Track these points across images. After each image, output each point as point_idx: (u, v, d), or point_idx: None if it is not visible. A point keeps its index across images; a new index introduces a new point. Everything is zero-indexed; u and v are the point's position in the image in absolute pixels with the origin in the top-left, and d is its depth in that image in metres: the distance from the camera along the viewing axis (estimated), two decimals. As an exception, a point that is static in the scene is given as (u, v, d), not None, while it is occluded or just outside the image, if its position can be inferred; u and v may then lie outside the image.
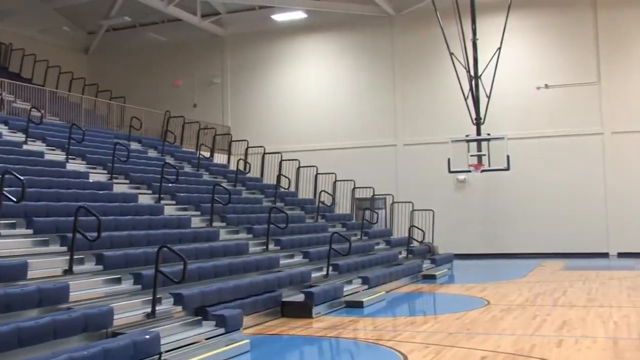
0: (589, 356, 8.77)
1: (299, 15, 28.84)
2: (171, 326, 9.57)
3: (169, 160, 21.00)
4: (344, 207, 25.09)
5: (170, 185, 16.77)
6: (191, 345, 9.16)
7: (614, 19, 25.76)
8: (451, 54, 22.25)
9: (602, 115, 25.67)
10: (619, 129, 25.39)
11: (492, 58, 22.41)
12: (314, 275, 14.68)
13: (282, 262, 14.76)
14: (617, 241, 25.28)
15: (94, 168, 17.15)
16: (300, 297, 12.88)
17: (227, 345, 9.48)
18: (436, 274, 19.45)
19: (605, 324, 11.04)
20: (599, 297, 14.41)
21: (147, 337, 8.26)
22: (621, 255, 24.97)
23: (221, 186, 17.27)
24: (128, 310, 9.41)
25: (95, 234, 10.11)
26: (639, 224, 24.92)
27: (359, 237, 20.62)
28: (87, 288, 9.72)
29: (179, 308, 10.05)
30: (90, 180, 15.45)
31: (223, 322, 9.96)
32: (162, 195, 16.23)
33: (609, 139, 25.52)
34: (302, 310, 12.50)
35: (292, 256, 16.02)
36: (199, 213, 16.40)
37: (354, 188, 24.55)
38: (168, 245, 10.19)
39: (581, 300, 13.94)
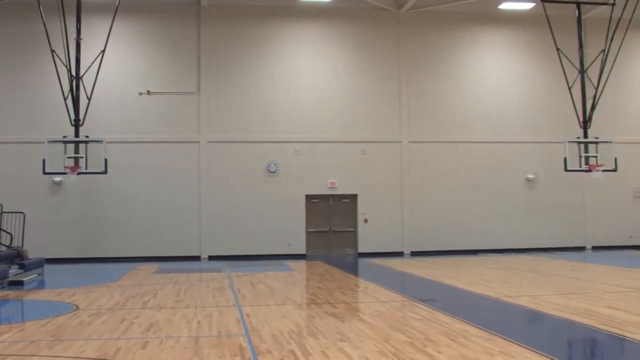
0: (171, 355, 9.05)
1: None
2: None
3: None
4: None
5: None
6: None
7: (214, 36, 27.23)
8: (52, 51, 21.48)
9: (200, 124, 26.90)
10: (215, 138, 26.86)
11: (95, 60, 22.18)
12: None
13: None
14: (208, 245, 26.67)
15: None
16: None
17: None
18: (24, 279, 18.47)
19: (190, 324, 11.52)
20: (187, 298, 15.01)
21: None
22: (212, 258, 26.42)
23: None
24: None
25: None
26: (225, 230, 26.72)
27: (-62, 240, 18.82)
28: None
29: None
30: None
31: None
32: None
33: (205, 148, 26.83)
34: None
35: None
36: None
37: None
38: None
39: (170, 302, 14.37)
